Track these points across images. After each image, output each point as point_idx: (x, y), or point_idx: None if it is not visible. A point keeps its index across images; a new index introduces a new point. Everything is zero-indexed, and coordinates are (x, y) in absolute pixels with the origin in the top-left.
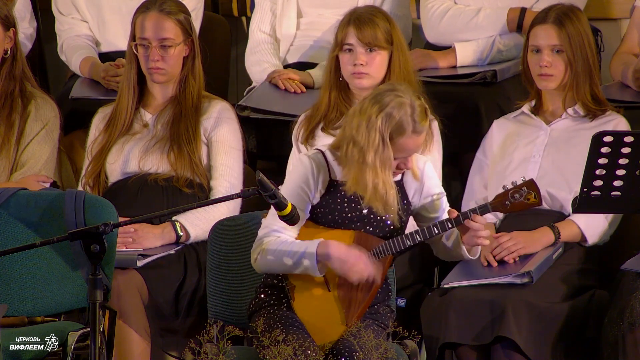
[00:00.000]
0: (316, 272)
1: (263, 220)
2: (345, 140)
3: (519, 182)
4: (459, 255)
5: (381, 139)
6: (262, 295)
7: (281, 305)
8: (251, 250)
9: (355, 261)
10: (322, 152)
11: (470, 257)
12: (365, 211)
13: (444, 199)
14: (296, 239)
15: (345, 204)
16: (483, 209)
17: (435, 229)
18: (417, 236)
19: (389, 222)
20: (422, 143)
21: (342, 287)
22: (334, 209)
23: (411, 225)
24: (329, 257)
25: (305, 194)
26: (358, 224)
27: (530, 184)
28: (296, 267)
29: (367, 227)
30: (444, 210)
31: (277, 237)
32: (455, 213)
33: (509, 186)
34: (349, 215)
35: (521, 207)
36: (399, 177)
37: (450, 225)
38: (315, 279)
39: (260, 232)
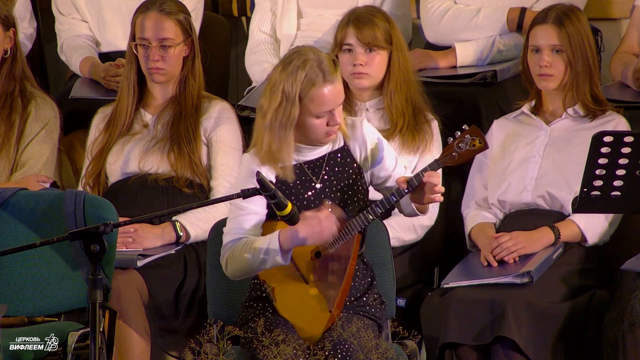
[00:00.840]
0: (283, 262)
1: (224, 228)
2: (256, 114)
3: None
4: (412, 213)
5: (285, 98)
6: (249, 309)
7: (266, 312)
8: (220, 258)
9: (318, 224)
10: None
11: (420, 213)
12: (318, 186)
13: (391, 151)
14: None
15: (300, 186)
16: (433, 166)
17: (393, 197)
18: (378, 208)
19: (346, 189)
20: (341, 93)
21: (317, 275)
22: (288, 194)
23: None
24: (294, 240)
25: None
26: (317, 201)
27: (474, 130)
28: (265, 264)
29: (328, 202)
30: (393, 159)
31: (241, 240)
32: (405, 182)
33: (453, 138)
34: (305, 195)
35: (469, 154)
36: (341, 143)
37: (407, 190)
38: (293, 275)
39: (225, 239)
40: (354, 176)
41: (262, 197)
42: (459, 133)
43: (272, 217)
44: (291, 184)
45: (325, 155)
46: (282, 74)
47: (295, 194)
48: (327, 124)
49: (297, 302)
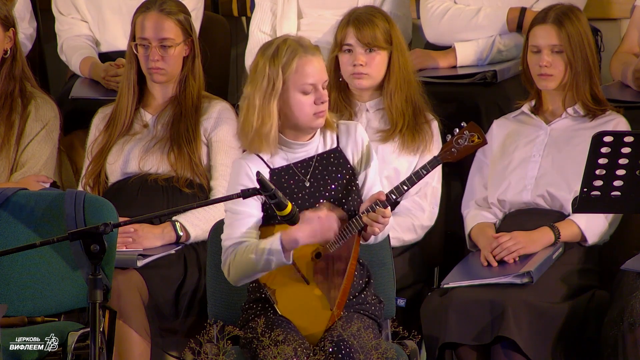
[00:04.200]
0: (287, 262)
1: (222, 235)
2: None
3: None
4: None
5: (268, 74)
6: (249, 311)
7: (267, 312)
8: (221, 265)
9: (318, 223)
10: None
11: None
12: (307, 184)
13: (373, 153)
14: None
15: (293, 186)
16: (433, 162)
17: (392, 195)
18: (377, 206)
19: (339, 188)
20: (324, 71)
21: (318, 276)
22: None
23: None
24: (296, 240)
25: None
26: (311, 200)
27: (472, 126)
28: (269, 265)
29: (321, 201)
30: (374, 161)
31: (241, 244)
32: (383, 195)
33: (452, 135)
34: (298, 195)
35: (468, 150)
36: (334, 144)
37: (405, 188)
38: (293, 276)
39: (224, 247)
40: (347, 177)
41: (254, 199)
42: (458, 130)
43: (268, 221)
44: (284, 185)
45: (315, 155)
46: (262, 56)
47: (288, 194)
48: (315, 102)
49: (299, 303)
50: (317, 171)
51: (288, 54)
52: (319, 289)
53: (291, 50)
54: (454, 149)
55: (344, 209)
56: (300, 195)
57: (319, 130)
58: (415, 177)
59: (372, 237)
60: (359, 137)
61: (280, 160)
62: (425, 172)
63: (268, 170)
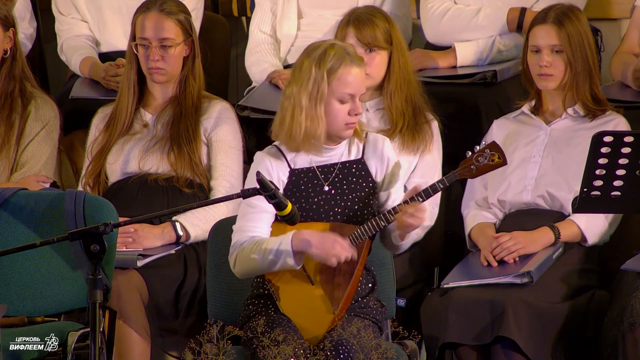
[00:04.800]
0: (295, 265)
1: (234, 226)
2: (280, 106)
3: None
4: (392, 245)
5: (314, 76)
6: (250, 306)
7: (269, 310)
8: (228, 256)
9: (332, 244)
10: (276, 146)
11: (401, 242)
12: (325, 188)
13: (401, 172)
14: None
15: (310, 189)
16: (451, 178)
17: (405, 204)
18: (390, 215)
19: (357, 200)
20: (364, 82)
21: (324, 278)
22: (299, 197)
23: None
24: (305, 246)
25: None
26: (326, 207)
27: (493, 146)
28: (274, 265)
29: (336, 209)
30: (401, 181)
31: (251, 238)
32: (419, 188)
33: (473, 152)
34: (315, 199)
35: (487, 169)
36: (359, 155)
37: (420, 199)
38: (299, 275)
39: (234, 237)
40: (366, 190)
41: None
42: (478, 147)
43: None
44: (302, 187)
45: (338, 163)
46: (308, 57)
47: (305, 197)
48: (349, 113)
49: (301, 303)
50: (337, 179)
51: (334, 60)
52: (322, 289)
53: (338, 57)
54: (473, 167)
55: (357, 221)
56: (317, 199)
57: None
58: (432, 191)
59: (401, 241)
60: (385, 153)
61: (302, 161)
62: (442, 186)
63: (288, 169)
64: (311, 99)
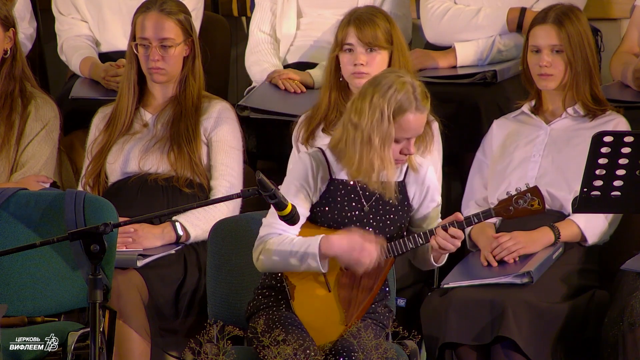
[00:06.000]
0: (320, 269)
1: (264, 219)
2: (345, 129)
3: (523, 188)
4: (424, 262)
5: (382, 115)
6: (261, 297)
7: (280, 305)
8: (253, 249)
9: (360, 251)
10: (322, 151)
11: (435, 264)
12: (366, 209)
13: (439, 209)
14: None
15: (346, 203)
16: (486, 214)
17: (442, 229)
18: (420, 239)
19: (389, 222)
20: (424, 125)
21: (342, 287)
22: (333, 207)
23: None
24: (332, 252)
25: (305, 191)
26: (358, 224)
27: (534, 190)
28: (299, 266)
29: (367, 228)
30: (436, 220)
31: (279, 235)
32: (460, 217)
33: (513, 192)
34: (349, 214)
35: (524, 213)
36: (401, 177)
37: (458, 227)
38: (317, 279)
39: (262, 231)
40: (400, 213)
41: (305, 198)
42: (521, 189)
43: (312, 221)
44: (338, 198)
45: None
46: (380, 92)
47: (340, 209)
48: (401, 152)
49: (315, 307)
50: (375, 198)
51: (400, 105)
52: (339, 301)
53: (406, 99)
54: (511, 207)
55: (387, 239)
56: (350, 214)
57: None
58: (466, 224)
59: (435, 263)
60: (427, 180)
61: (344, 173)
62: (477, 220)
63: (329, 177)
64: (380, 140)
